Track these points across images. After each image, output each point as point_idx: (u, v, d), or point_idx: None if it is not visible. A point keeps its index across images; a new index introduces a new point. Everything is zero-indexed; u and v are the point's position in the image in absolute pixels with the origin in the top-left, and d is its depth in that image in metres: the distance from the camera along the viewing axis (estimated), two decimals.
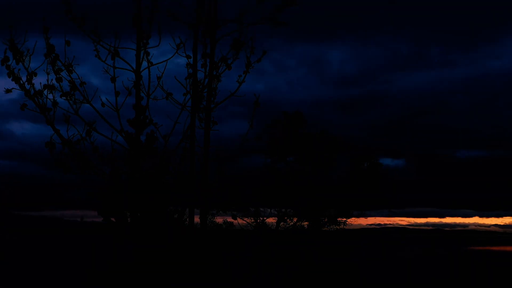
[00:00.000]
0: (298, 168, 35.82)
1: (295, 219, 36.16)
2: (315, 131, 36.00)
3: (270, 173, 34.65)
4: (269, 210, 34.60)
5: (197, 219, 12.49)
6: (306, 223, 37.10)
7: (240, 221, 33.06)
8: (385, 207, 39.27)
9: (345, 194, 36.72)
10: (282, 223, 35.08)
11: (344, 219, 38.83)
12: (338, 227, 39.40)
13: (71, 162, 11.83)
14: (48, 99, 11.81)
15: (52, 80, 11.81)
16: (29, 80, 11.74)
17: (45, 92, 11.81)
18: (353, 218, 38.93)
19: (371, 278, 24.85)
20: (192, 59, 12.53)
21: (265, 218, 34.44)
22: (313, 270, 26.02)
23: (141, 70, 12.23)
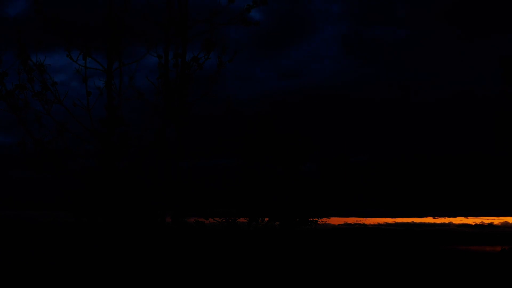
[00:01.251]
0: (271, 169, 35.90)
1: (266, 219, 36.21)
2: (287, 132, 36.08)
3: (243, 173, 34.71)
4: (240, 209, 34.61)
5: (168, 219, 12.52)
6: (277, 223, 37.14)
7: (211, 220, 33.05)
8: (349, 207, 39.29)
9: (316, 193, 36.85)
10: (253, 222, 35.14)
11: (316, 219, 38.91)
12: (309, 227, 39.47)
13: (43, 162, 11.77)
14: (19, 99, 11.75)
15: (24, 80, 11.74)
16: (0, 80, 11.66)
17: (17, 92, 11.74)
18: (324, 219, 39.02)
19: (363, 278, 24.96)
20: (163, 59, 12.52)
21: (236, 218, 34.49)
22: (298, 270, 26.10)
23: (112, 70, 12.20)
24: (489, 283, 23.55)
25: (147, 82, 12.40)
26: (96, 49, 12.10)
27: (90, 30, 12.09)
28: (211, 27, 12.57)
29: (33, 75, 11.77)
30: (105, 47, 12.14)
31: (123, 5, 12.02)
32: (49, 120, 11.90)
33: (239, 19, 12.73)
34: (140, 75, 12.39)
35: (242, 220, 35.73)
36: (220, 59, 12.54)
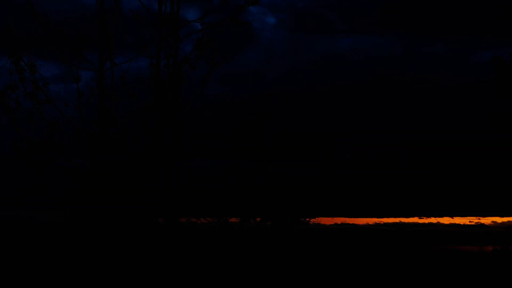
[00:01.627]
0: (266, 168, 35.86)
1: (258, 219, 36.20)
2: (282, 129, 36.06)
3: (236, 172, 34.67)
4: (234, 209, 34.60)
5: (160, 219, 12.51)
6: (269, 223, 37.13)
7: (202, 220, 33.02)
8: (341, 207, 39.18)
9: (311, 193, 36.82)
10: (245, 222, 35.15)
11: (308, 219, 38.87)
12: (301, 228, 39.39)
13: (40, 162, 11.76)
14: (11, 99, 11.72)
15: (15, 80, 11.71)
16: None
17: (8, 92, 11.71)
18: (316, 219, 38.98)
19: (361, 278, 24.99)
20: (155, 59, 12.49)
21: (228, 218, 34.48)
22: (296, 271, 26.10)
23: (104, 70, 12.18)
24: (488, 283, 23.66)
25: (139, 82, 12.38)
26: (87, 49, 12.09)
27: (82, 30, 12.07)
28: (203, 27, 12.55)
29: (25, 75, 11.74)
30: (97, 47, 12.13)
31: (115, 5, 12.00)
32: (41, 120, 11.87)
33: (231, 19, 12.71)
34: (132, 75, 12.37)
35: (233, 220, 35.78)
36: (212, 60, 12.52)
